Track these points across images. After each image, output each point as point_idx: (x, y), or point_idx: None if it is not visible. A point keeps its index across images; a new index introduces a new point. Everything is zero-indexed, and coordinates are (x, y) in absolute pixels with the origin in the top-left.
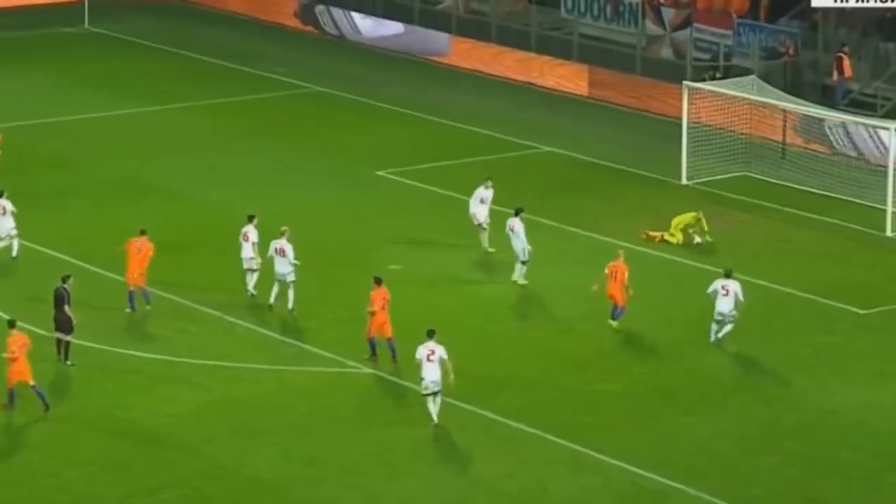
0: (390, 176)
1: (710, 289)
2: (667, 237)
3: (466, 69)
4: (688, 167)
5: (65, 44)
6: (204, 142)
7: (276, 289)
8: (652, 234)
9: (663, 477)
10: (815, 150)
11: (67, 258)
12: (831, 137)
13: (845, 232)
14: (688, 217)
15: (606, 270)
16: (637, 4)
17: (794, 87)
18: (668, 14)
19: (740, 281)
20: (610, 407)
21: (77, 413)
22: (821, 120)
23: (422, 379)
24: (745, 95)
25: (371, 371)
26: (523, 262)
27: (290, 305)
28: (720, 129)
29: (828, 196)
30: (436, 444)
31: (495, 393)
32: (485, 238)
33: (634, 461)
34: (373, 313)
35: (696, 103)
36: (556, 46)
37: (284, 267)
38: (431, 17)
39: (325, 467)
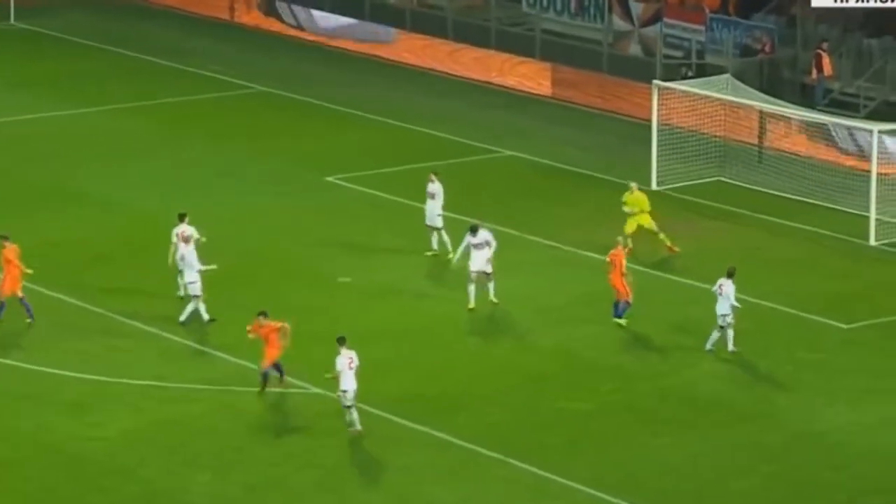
0: (340, 182)
1: (713, 287)
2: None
3: (421, 67)
4: (658, 171)
5: None
6: (134, 146)
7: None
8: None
9: (633, 502)
10: (791, 152)
11: None
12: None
13: (826, 240)
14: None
15: (607, 258)
16: None
17: (771, 87)
18: (637, 8)
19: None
20: (575, 427)
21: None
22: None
23: (343, 391)
24: (718, 95)
25: (318, 391)
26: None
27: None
28: (692, 131)
29: (807, 202)
30: (387, 467)
31: (452, 413)
32: (434, 240)
33: (601, 486)
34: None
35: (666, 104)
36: (516, 43)
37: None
38: (382, 12)
39: (266, 493)
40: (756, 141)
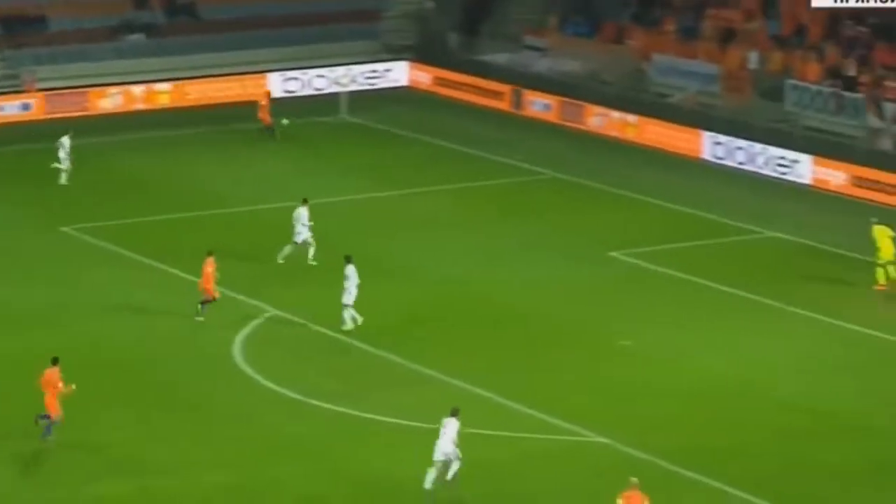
0: (622, 257)
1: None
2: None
3: (694, 157)
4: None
5: (322, 132)
6: (446, 223)
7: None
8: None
9: None
10: None
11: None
12: None
13: None
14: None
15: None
16: (860, 99)
17: None
18: (890, 108)
19: None
20: (829, 479)
21: (333, 473)
22: None
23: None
24: None
25: (605, 441)
26: None
27: None
28: None
29: None
30: None
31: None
32: None
33: None
34: None
35: None
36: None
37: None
38: (664, 109)
39: None
40: None
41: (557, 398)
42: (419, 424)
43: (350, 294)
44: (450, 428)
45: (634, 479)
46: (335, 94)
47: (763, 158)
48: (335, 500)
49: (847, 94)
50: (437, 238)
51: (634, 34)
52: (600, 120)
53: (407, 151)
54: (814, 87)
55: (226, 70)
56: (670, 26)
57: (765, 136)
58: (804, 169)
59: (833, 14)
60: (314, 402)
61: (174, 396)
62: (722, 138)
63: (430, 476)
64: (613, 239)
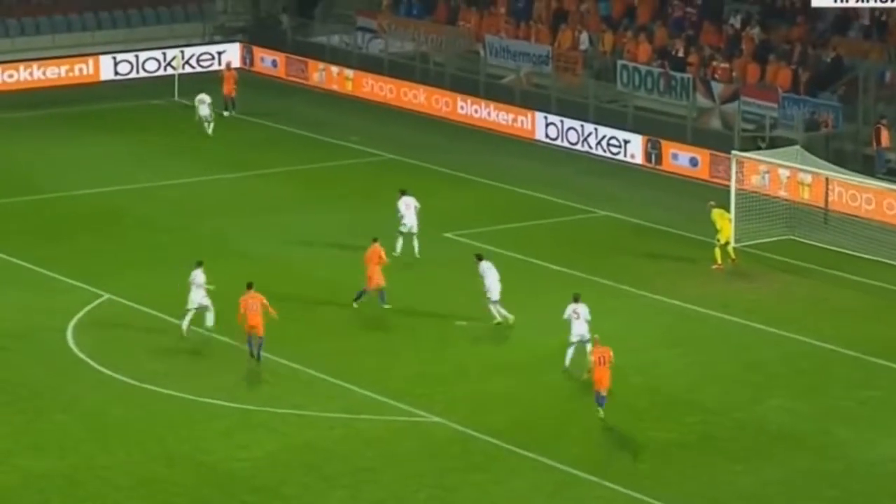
0: (456, 238)
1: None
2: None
3: (529, 138)
4: (736, 231)
5: (154, 115)
6: (280, 206)
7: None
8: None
9: None
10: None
11: (159, 314)
12: None
13: (888, 294)
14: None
15: (594, 357)
16: (689, 79)
17: (836, 157)
18: (717, 88)
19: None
20: (662, 455)
21: (166, 456)
22: None
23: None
24: (789, 164)
25: (439, 420)
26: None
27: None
28: (766, 195)
29: (870, 259)
30: (497, 487)
31: (556, 440)
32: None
33: None
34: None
35: (742, 171)
36: (612, 117)
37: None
38: (497, 90)
39: None
40: (822, 205)
41: (391, 379)
42: (254, 408)
43: (493, 291)
44: (582, 310)
45: (596, 336)
46: (168, 77)
47: (595, 139)
48: (170, 485)
49: (676, 74)
50: (269, 220)
51: (467, 15)
52: (432, 100)
53: (239, 134)
54: (644, 68)
55: (56, 53)
56: (502, 8)
57: (597, 116)
58: (636, 148)
59: None
60: (147, 385)
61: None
62: (554, 119)
63: (569, 355)
64: (448, 220)
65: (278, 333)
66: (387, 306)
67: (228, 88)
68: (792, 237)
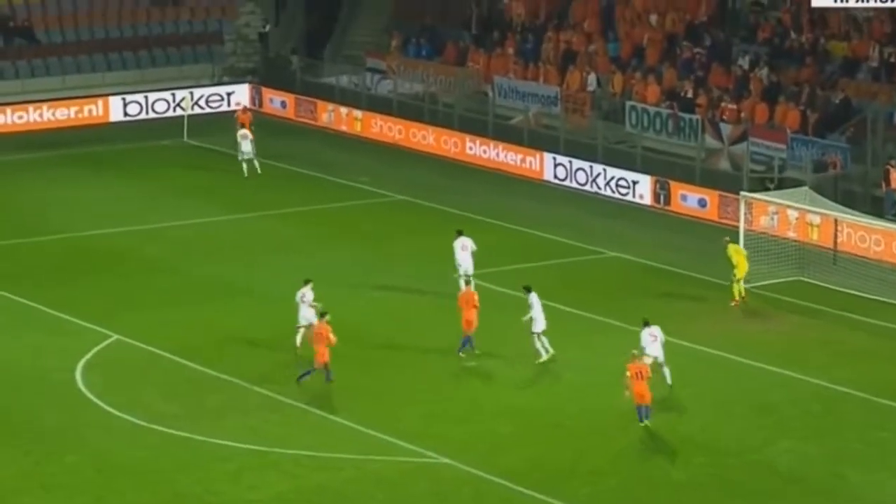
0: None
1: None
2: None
3: (537, 179)
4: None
5: (162, 155)
6: (289, 246)
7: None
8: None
9: None
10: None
11: (169, 355)
12: None
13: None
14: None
15: (630, 373)
16: (697, 120)
17: (845, 198)
18: (726, 129)
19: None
20: (672, 495)
21: (176, 497)
22: None
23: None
24: (798, 205)
25: (448, 461)
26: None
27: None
28: (775, 236)
29: (878, 300)
30: None
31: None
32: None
33: None
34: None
35: (751, 212)
36: (620, 158)
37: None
38: (505, 131)
39: None
40: (832, 246)
41: (403, 419)
42: (264, 449)
43: (539, 322)
44: (658, 333)
45: (636, 351)
46: (177, 118)
47: (604, 179)
48: None
49: (685, 115)
50: (278, 260)
51: (476, 57)
52: (441, 141)
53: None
54: (652, 109)
55: (65, 94)
56: (511, 49)
57: (605, 157)
58: (644, 189)
59: (670, 36)
60: (156, 426)
61: (9, 422)
62: (563, 159)
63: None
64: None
65: (289, 374)
66: (477, 352)
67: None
68: (801, 278)
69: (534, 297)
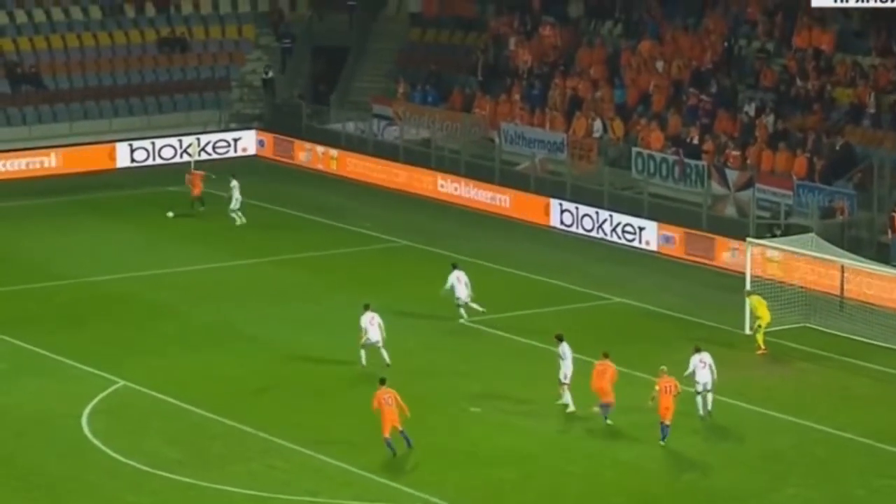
0: (472, 325)
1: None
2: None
3: (541, 225)
4: (750, 318)
5: (169, 201)
6: (293, 292)
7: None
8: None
9: None
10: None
11: (173, 400)
12: None
13: None
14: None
15: (659, 387)
16: (703, 166)
17: (851, 244)
18: (732, 175)
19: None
20: None
21: None
22: None
23: (696, 382)
24: (804, 252)
25: None
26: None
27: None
28: (781, 282)
29: (884, 347)
30: None
31: None
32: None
33: None
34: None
35: (757, 258)
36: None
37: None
38: (510, 177)
39: None
40: (838, 292)
41: (403, 464)
42: (267, 494)
43: (569, 371)
44: (707, 358)
45: (663, 367)
46: (184, 164)
47: (610, 225)
48: None
49: (691, 161)
50: (282, 306)
51: (482, 103)
52: (448, 187)
53: (253, 220)
54: (658, 155)
55: (73, 140)
56: (517, 95)
57: (612, 202)
58: (650, 235)
59: (676, 83)
60: (161, 472)
61: (15, 468)
62: (569, 205)
63: (699, 404)
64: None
65: (292, 419)
66: (609, 422)
67: (198, 189)
68: (807, 325)
69: (565, 347)
